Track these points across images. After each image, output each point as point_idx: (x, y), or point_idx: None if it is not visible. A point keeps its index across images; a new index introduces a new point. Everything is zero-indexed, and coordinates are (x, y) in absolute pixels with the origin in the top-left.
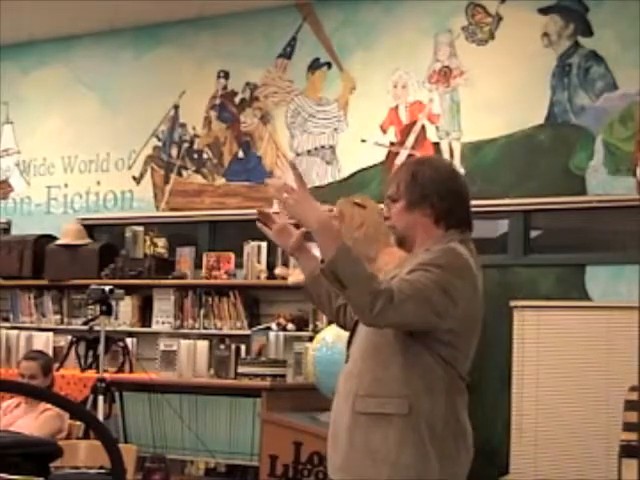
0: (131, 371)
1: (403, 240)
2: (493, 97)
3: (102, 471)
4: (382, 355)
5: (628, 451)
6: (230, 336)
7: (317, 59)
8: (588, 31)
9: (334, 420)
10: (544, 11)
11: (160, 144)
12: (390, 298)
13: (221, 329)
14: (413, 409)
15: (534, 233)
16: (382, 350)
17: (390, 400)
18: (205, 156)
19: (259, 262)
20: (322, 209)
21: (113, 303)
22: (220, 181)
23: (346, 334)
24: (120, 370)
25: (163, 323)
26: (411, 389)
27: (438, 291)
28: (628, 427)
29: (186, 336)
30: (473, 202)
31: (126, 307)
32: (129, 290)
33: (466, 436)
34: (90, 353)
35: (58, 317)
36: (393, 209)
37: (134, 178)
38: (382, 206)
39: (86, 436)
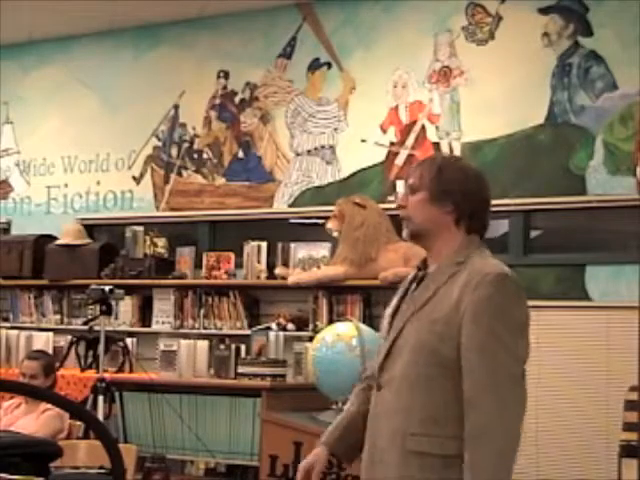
0: (131, 371)
1: (418, 233)
2: (493, 97)
3: (102, 471)
4: (436, 390)
5: (628, 451)
6: (230, 336)
7: (317, 59)
8: (588, 31)
9: (377, 457)
10: (544, 11)
11: (160, 144)
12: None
13: (221, 329)
14: None
15: (534, 233)
16: (436, 384)
17: (446, 440)
18: (205, 156)
19: (259, 262)
20: None
21: (113, 303)
22: (220, 181)
23: (347, 332)
24: (120, 370)
25: (163, 323)
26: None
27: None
28: (628, 427)
29: (186, 336)
30: None
31: (126, 307)
32: (129, 290)
33: None
34: (90, 353)
35: (58, 317)
36: (412, 199)
37: (134, 178)
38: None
39: (86, 436)
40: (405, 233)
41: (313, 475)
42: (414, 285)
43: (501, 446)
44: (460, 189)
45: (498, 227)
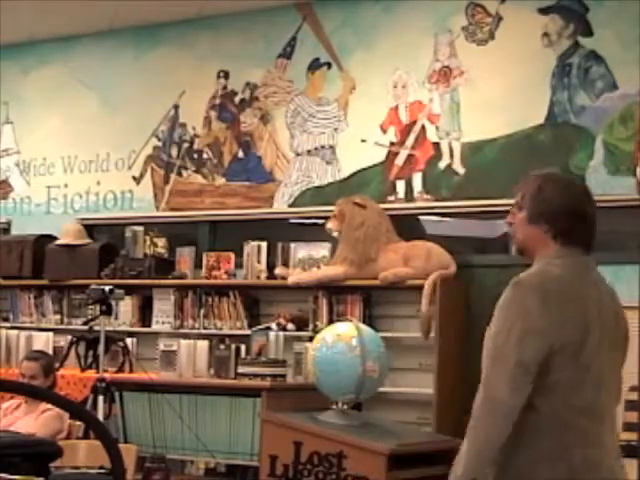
0: (131, 371)
1: (521, 249)
2: (493, 97)
3: (102, 471)
4: None
5: (628, 451)
6: (230, 336)
7: (317, 59)
8: (588, 31)
9: None
10: (544, 11)
11: (160, 144)
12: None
13: (221, 329)
14: None
15: None
16: None
17: None
18: (205, 156)
19: (259, 262)
20: None
21: (113, 303)
22: (220, 181)
23: (347, 332)
24: (120, 370)
25: (163, 323)
26: None
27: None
28: (628, 427)
29: (186, 336)
30: (473, 202)
31: (126, 307)
32: (129, 290)
33: None
34: (90, 353)
35: (58, 317)
36: (517, 217)
37: (134, 178)
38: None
39: (86, 436)
40: (514, 248)
41: None
42: None
43: (476, 441)
44: (557, 209)
45: (497, 227)
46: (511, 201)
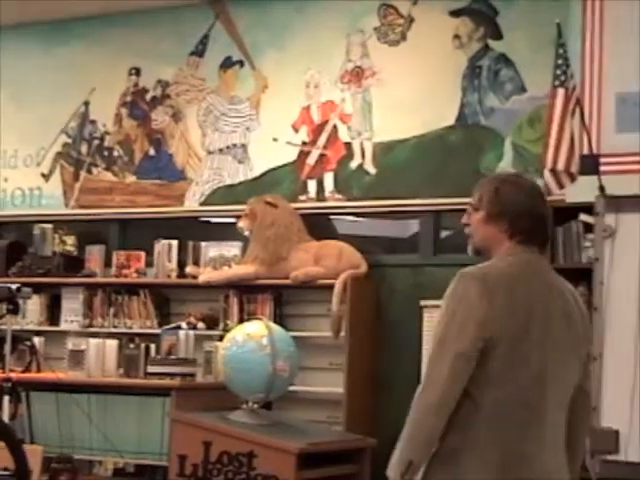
0: (38, 371)
1: (478, 249)
2: (405, 98)
3: (6, 473)
4: None
5: None
6: (140, 335)
7: (229, 57)
8: (498, 34)
9: None
10: (455, 13)
11: (70, 141)
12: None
13: (131, 328)
14: None
15: (444, 233)
16: None
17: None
18: (116, 153)
19: (170, 261)
20: None
21: (20, 301)
22: (131, 179)
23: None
24: (27, 370)
25: (72, 322)
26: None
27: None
28: None
29: (95, 335)
30: (384, 202)
31: (34, 305)
32: (37, 288)
33: None
34: None
35: None
36: (473, 217)
37: (43, 175)
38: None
39: None
40: (469, 249)
41: None
42: None
43: (412, 427)
44: (515, 209)
45: (408, 227)
46: (423, 201)
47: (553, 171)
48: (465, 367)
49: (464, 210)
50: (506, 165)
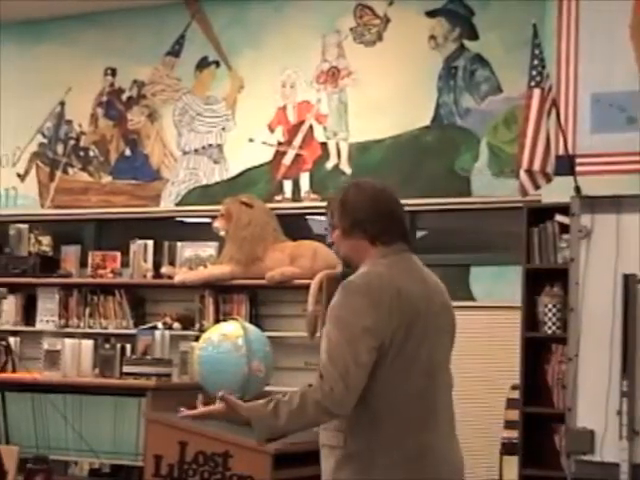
0: (14, 371)
1: (348, 262)
2: (380, 98)
3: None
4: None
5: (509, 448)
6: (115, 335)
7: (205, 57)
8: (474, 34)
9: None
10: (431, 14)
11: (45, 141)
12: (329, 392)
13: (106, 328)
14: None
15: (420, 233)
16: None
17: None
18: (91, 154)
19: (145, 261)
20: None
21: None
22: (106, 179)
23: (233, 332)
24: (2, 370)
25: (47, 322)
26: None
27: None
28: (509, 425)
29: (71, 335)
30: None
31: (9, 306)
32: (12, 288)
33: None
34: None
35: None
36: (334, 235)
37: (18, 175)
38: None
39: None
40: (342, 264)
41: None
42: None
43: (298, 423)
44: (363, 216)
45: None
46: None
47: (529, 171)
48: (361, 376)
49: (440, 211)
50: (482, 165)
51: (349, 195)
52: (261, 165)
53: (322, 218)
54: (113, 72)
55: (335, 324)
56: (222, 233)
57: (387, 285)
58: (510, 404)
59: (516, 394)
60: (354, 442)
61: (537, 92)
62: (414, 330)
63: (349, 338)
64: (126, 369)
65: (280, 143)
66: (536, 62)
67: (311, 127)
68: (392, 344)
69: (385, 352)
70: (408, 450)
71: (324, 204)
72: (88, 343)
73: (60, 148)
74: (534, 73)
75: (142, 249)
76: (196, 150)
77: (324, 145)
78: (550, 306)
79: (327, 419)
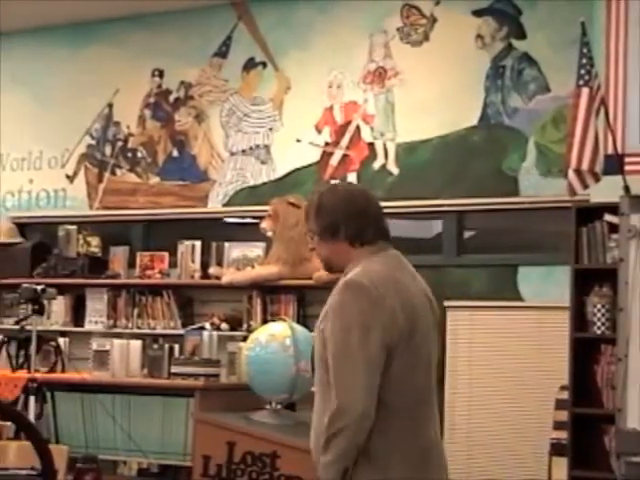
0: (63, 371)
1: (329, 266)
2: (427, 98)
3: (32, 472)
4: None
5: (558, 449)
6: (163, 336)
7: (252, 58)
8: (521, 34)
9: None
10: (478, 13)
11: (94, 142)
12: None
13: (154, 329)
14: None
15: (467, 234)
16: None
17: None
18: (139, 155)
19: (193, 261)
20: None
21: (45, 302)
22: (154, 180)
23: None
24: (52, 370)
25: (96, 322)
26: None
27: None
28: (558, 425)
29: (119, 336)
30: (407, 202)
31: (58, 306)
32: (62, 289)
33: None
34: (21, 353)
35: None
36: (315, 241)
37: (67, 176)
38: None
39: (16, 437)
40: (322, 266)
41: None
42: None
43: (340, 449)
44: (338, 218)
45: (432, 227)
46: (445, 202)
47: (577, 171)
48: (376, 375)
49: (488, 211)
50: (529, 165)
51: (323, 199)
52: (308, 165)
53: None
54: (161, 73)
55: (340, 326)
56: (269, 234)
57: (388, 281)
58: (559, 405)
59: (565, 395)
60: (370, 440)
61: (585, 91)
62: (418, 324)
63: (358, 339)
64: (174, 369)
65: (327, 143)
66: (584, 61)
67: (358, 127)
68: (400, 339)
69: (395, 347)
70: (418, 449)
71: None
72: (136, 343)
73: (108, 149)
74: (582, 72)
75: (190, 250)
76: (243, 151)
77: (371, 145)
78: (599, 306)
79: (364, 422)
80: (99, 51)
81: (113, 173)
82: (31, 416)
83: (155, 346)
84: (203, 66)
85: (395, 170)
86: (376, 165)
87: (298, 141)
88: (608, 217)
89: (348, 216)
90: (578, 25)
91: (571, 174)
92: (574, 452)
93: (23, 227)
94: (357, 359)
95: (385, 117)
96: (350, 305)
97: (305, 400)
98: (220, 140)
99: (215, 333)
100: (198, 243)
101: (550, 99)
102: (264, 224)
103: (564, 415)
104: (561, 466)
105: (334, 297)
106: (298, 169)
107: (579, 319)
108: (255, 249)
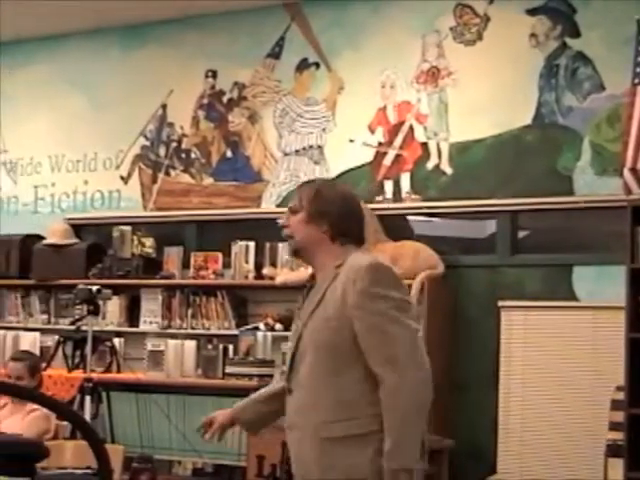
0: (118, 371)
1: (298, 250)
2: (481, 97)
3: (89, 471)
4: (346, 379)
5: (614, 450)
6: (218, 336)
7: (305, 59)
8: (575, 32)
9: (296, 454)
10: (532, 12)
11: (148, 143)
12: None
13: (209, 329)
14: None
15: (522, 233)
16: (344, 374)
17: (366, 418)
18: (193, 155)
19: (247, 262)
20: None
21: (100, 303)
22: (208, 181)
23: None
24: (107, 370)
25: (151, 323)
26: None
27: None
28: (614, 426)
29: (174, 336)
30: (461, 202)
31: (113, 307)
32: (116, 290)
33: None
34: (77, 353)
35: (45, 317)
36: (292, 219)
37: (122, 177)
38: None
39: (73, 436)
40: (288, 250)
41: (214, 426)
42: (307, 297)
43: (407, 408)
44: (335, 211)
45: (486, 227)
46: (499, 201)
47: (633, 170)
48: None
49: (542, 210)
50: (584, 164)
51: (324, 188)
52: (362, 166)
53: (422, 218)
54: (214, 74)
55: (385, 302)
56: None
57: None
58: (615, 405)
59: (621, 395)
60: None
61: None
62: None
63: (404, 311)
64: (229, 370)
65: (380, 144)
66: None
67: (411, 127)
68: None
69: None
70: (425, 432)
71: (425, 204)
72: (191, 344)
73: (162, 150)
74: (638, 70)
75: (243, 250)
76: (297, 151)
77: (424, 145)
78: None
79: (431, 392)
80: (152, 52)
81: (167, 174)
82: (87, 416)
83: (209, 346)
84: (256, 67)
85: (449, 170)
86: (429, 165)
87: (351, 141)
88: None
89: (341, 213)
90: (633, 23)
91: (627, 173)
92: (630, 453)
93: (78, 228)
94: (410, 329)
95: (438, 117)
96: (388, 282)
97: None
98: (273, 141)
99: (269, 333)
100: (252, 243)
101: (605, 98)
102: None
103: (620, 416)
104: (617, 467)
105: (363, 281)
106: (351, 169)
107: (635, 319)
108: None
